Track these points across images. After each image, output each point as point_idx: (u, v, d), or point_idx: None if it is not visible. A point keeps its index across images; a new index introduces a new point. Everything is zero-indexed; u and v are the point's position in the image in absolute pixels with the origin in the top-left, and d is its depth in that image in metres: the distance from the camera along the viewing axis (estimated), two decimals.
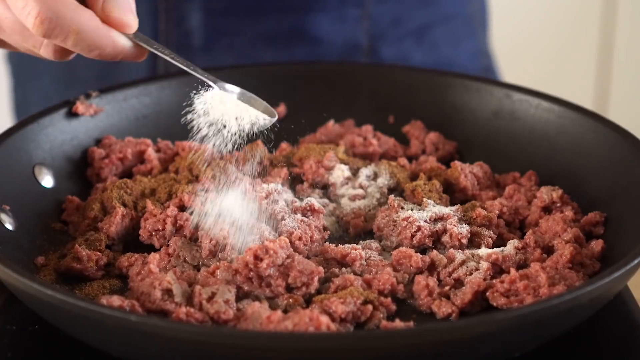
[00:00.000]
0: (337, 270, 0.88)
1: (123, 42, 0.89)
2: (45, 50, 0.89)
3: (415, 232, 0.92)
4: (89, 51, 0.88)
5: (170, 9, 1.28)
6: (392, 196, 0.98)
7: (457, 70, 1.34)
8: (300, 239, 0.90)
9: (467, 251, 0.90)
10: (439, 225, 0.92)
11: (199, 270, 0.89)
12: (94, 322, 0.76)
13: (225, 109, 0.93)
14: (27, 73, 1.41)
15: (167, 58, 0.92)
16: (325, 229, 0.94)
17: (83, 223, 0.97)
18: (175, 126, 1.12)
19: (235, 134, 0.93)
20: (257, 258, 0.84)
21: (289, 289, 0.85)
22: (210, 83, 0.93)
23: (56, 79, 1.36)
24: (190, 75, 1.15)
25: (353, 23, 1.31)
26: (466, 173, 1.02)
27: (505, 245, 0.92)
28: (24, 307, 0.84)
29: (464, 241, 0.91)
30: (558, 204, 0.96)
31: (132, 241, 0.96)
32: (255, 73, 1.16)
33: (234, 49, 1.30)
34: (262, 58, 1.30)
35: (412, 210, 0.95)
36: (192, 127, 0.95)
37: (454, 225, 0.92)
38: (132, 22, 0.90)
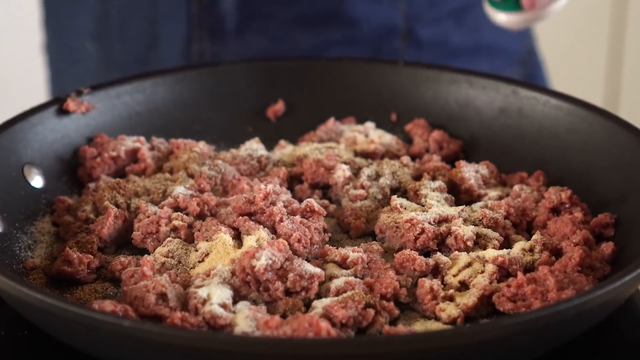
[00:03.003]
0: (337, 273, 0.88)
1: None
2: None
3: (419, 234, 0.92)
4: None
5: None
6: (394, 197, 0.98)
7: (499, 54, 1.33)
8: (299, 241, 0.90)
9: (472, 253, 0.90)
10: (443, 227, 0.92)
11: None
12: (85, 327, 0.76)
13: None
14: (65, 62, 1.42)
15: None
16: (325, 230, 0.94)
17: (74, 225, 0.97)
18: (169, 124, 1.12)
19: None
20: (254, 261, 0.84)
21: (288, 293, 0.85)
22: None
23: (94, 66, 1.37)
24: (184, 71, 1.15)
25: (389, 4, 1.31)
26: (471, 173, 1.02)
27: (511, 248, 0.92)
28: (13, 311, 0.84)
29: (469, 243, 0.91)
30: (567, 205, 0.96)
31: (125, 243, 0.96)
32: (252, 68, 1.17)
33: (267, 33, 1.30)
34: (297, 41, 1.30)
35: (415, 211, 0.95)
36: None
37: (459, 227, 0.92)
38: None
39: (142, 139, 1.08)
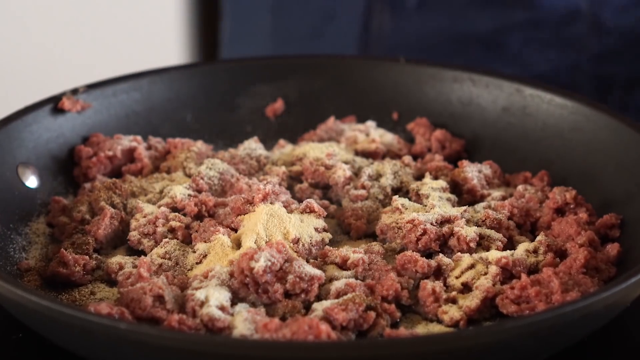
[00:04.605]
0: (338, 275, 0.88)
1: None
2: None
3: (421, 235, 0.92)
4: None
5: None
6: (396, 197, 0.98)
7: None
8: (298, 242, 0.90)
9: (475, 255, 0.90)
10: (445, 228, 0.92)
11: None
12: (81, 330, 0.76)
13: None
14: (241, 34, 1.41)
15: None
16: (325, 231, 0.94)
17: (69, 225, 0.97)
18: (167, 123, 1.12)
19: None
20: (253, 263, 0.84)
21: (288, 295, 0.85)
22: None
23: (270, 39, 1.36)
24: (182, 69, 1.15)
25: None
26: (474, 173, 1.02)
27: (515, 249, 0.92)
28: (7, 314, 0.83)
29: (472, 245, 0.91)
30: (572, 206, 0.96)
31: (121, 244, 0.96)
32: (251, 66, 1.17)
33: (449, 9, 1.29)
34: (477, 21, 1.28)
35: (417, 212, 0.95)
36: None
37: (462, 227, 0.92)
38: None
39: (139, 138, 1.08)
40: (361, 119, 1.14)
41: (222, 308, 0.82)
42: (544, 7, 1.28)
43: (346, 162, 1.04)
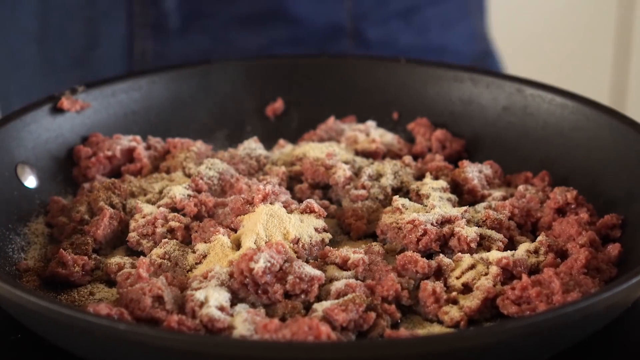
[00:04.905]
0: (338, 275, 0.88)
1: None
2: None
3: (421, 235, 0.92)
4: None
5: None
6: (396, 197, 0.98)
7: (449, 55, 1.33)
8: (298, 242, 0.90)
9: (475, 255, 0.90)
10: (446, 228, 0.92)
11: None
12: (80, 331, 0.76)
13: None
14: (6, 66, 1.41)
15: None
16: (325, 231, 0.94)
17: (68, 226, 0.97)
18: (166, 122, 1.12)
19: None
20: (253, 264, 0.84)
21: (288, 295, 0.85)
22: None
23: (36, 70, 1.36)
24: (181, 69, 1.15)
25: (334, 2, 1.30)
26: (475, 173, 1.02)
27: (516, 249, 0.92)
28: (6, 314, 0.83)
29: (473, 245, 0.91)
30: (573, 206, 0.96)
31: (120, 244, 0.96)
32: (250, 66, 1.17)
33: (209, 31, 1.30)
34: (240, 41, 1.29)
35: (417, 212, 0.95)
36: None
37: (462, 228, 0.92)
38: None
39: (138, 138, 1.08)
40: (361, 119, 1.14)
41: (221, 309, 0.82)
42: (303, 23, 1.30)
43: (346, 162, 1.04)
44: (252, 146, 1.07)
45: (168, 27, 1.29)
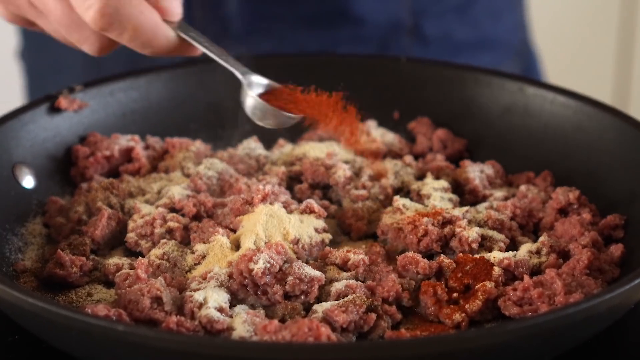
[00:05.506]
0: (338, 276, 0.88)
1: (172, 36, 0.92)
2: (89, 45, 0.92)
3: (422, 236, 0.92)
4: (142, 47, 0.91)
5: None
6: (397, 197, 0.98)
7: (499, 46, 1.34)
8: (298, 243, 0.90)
9: (477, 255, 0.90)
10: (447, 229, 0.92)
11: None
12: (78, 332, 0.76)
13: None
14: (46, 70, 1.41)
15: (202, 48, 0.94)
16: (325, 232, 0.94)
17: (66, 226, 0.97)
18: (165, 122, 1.12)
19: None
20: (252, 264, 0.84)
21: (287, 296, 0.85)
22: (239, 76, 0.96)
23: (81, 73, 1.37)
24: (180, 68, 1.15)
25: (395, 0, 1.32)
26: (476, 173, 1.02)
27: (518, 250, 0.92)
28: (4, 316, 0.83)
29: (474, 246, 0.91)
30: (575, 206, 0.96)
31: (118, 245, 0.96)
32: (250, 65, 1.16)
33: (274, 35, 1.31)
34: (304, 42, 1.31)
35: (418, 212, 0.95)
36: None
37: (464, 228, 0.92)
38: (178, 9, 0.92)
39: (137, 137, 1.08)
40: (362, 118, 1.14)
41: (221, 310, 0.82)
42: (367, 22, 1.32)
43: (346, 162, 1.04)
44: (252, 146, 1.07)
45: (230, 33, 1.29)
